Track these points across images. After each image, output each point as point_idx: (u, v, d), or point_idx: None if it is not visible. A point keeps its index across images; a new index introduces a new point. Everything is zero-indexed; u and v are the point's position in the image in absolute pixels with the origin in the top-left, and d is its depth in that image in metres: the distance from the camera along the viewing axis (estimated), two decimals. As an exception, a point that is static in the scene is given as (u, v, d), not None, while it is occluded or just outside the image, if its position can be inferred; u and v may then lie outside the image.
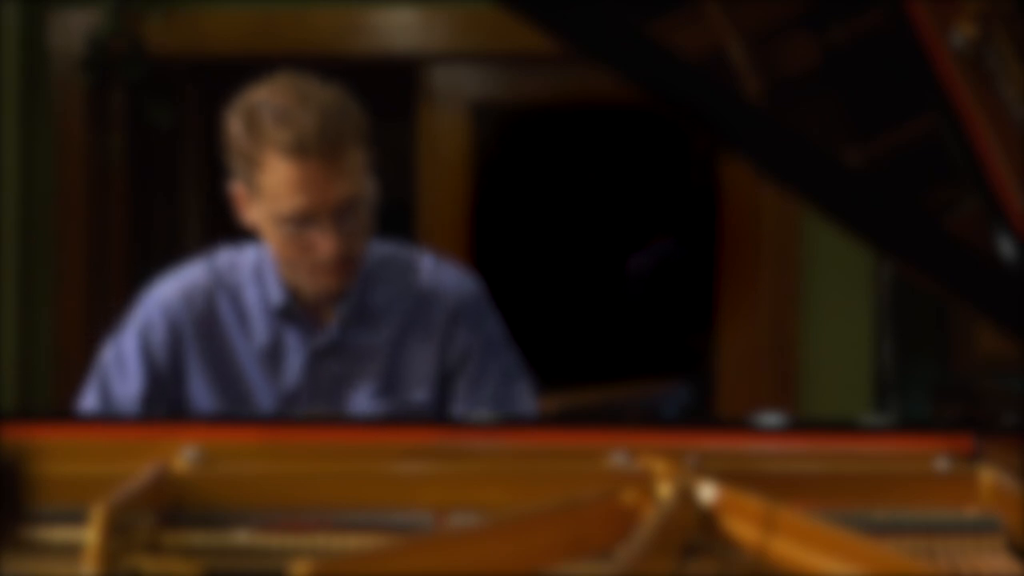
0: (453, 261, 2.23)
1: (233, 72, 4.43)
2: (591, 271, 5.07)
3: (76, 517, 1.42)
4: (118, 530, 1.35)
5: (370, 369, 2.11)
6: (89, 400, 2.12)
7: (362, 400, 2.10)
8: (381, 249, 2.17)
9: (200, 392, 2.10)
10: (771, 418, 1.70)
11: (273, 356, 2.11)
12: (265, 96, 2.04)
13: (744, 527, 1.44)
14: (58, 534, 1.44)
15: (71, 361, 3.88)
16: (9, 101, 3.74)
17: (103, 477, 1.49)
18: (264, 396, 2.11)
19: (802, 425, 1.73)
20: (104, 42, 3.77)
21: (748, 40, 1.68)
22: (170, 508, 1.49)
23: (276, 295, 2.11)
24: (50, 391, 3.84)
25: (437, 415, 2.11)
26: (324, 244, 1.99)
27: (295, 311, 2.11)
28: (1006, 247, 1.63)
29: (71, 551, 1.40)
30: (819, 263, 3.66)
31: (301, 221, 1.99)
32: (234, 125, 2.06)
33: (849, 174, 1.72)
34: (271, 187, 1.99)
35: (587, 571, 1.40)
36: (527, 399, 2.17)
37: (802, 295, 3.68)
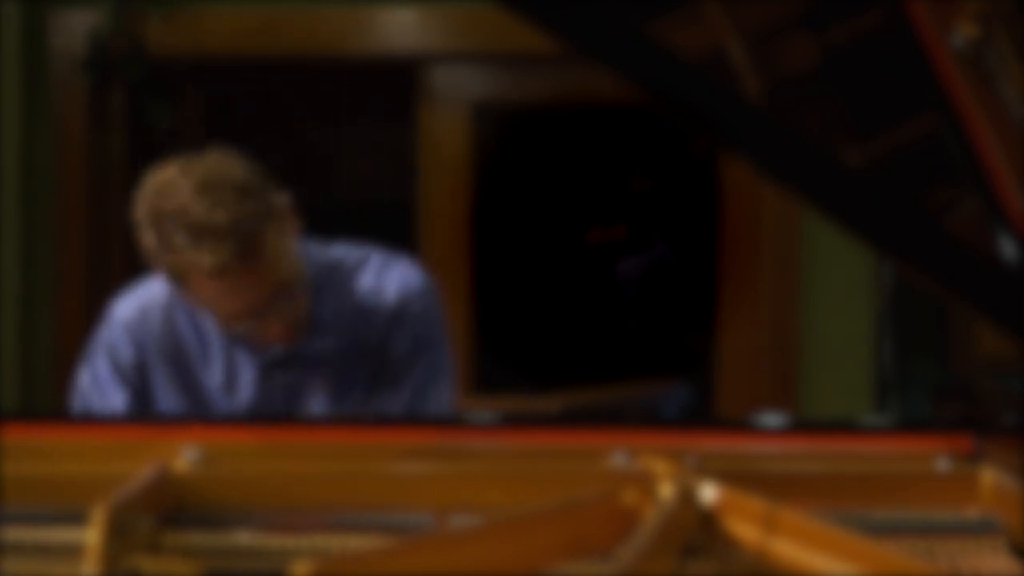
0: (404, 258, 2.23)
1: (234, 72, 4.44)
2: (591, 271, 5.07)
3: (76, 517, 1.42)
4: (118, 530, 1.35)
5: (320, 377, 2.14)
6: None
7: (319, 407, 2.13)
8: (327, 256, 2.18)
9: (168, 405, 2.14)
10: (771, 418, 1.70)
11: (228, 369, 2.15)
12: (171, 204, 1.95)
13: (744, 527, 1.44)
14: (58, 534, 1.44)
15: (71, 361, 3.87)
16: (9, 101, 3.74)
17: (103, 477, 1.49)
18: (223, 409, 2.14)
19: (802, 425, 1.73)
20: (104, 42, 3.77)
21: (748, 40, 1.68)
22: (170, 508, 1.49)
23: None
24: (50, 391, 3.84)
25: (437, 415, 2.11)
26: (273, 332, 2.04)
27: (243, 337, 2.11)
28: (1006, 247, 1.63)
29: (71, 551, 1.40)
30: (819, 263, 3.66)
31: (240, 319, 2.00)
32: (146, 236, 1.99)
33: (849, 174, 1.72)
34: (203, 300, 2.01)
35: (587, 571, 1.40)
36: (441, 400, 2.17)
37: (802, 295, 3.68)
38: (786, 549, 1.41)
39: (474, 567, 1.30)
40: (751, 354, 3.75)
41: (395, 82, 3.95)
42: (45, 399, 3.81)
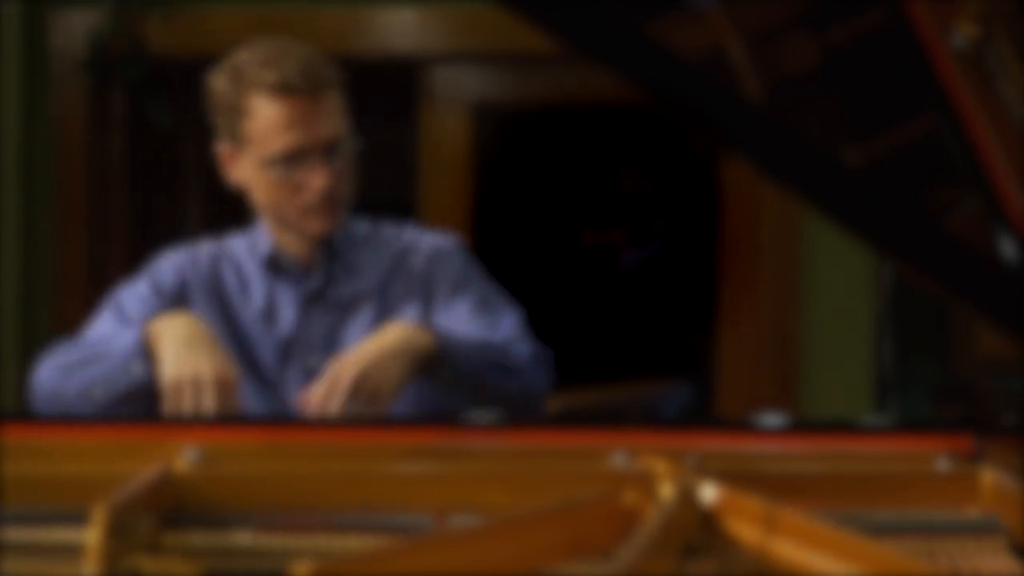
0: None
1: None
2: (591, 271, 5.07)
3: (76, 517, 1.42)
4: (119, 530, 1.35)
5: (360, 316, 2.18)
6: (105, 320, 2.16)
7: (354, 345, 2.14)
8: (367, 224, 2.27)
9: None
10: (771, 418, 1.70)
11: (269, 312, 2.19)
12: (244, 52, 2.10)
13: (744, 527, 1.44)
14: (58, 534, 1.44)
15: (71, 361, 3.88)
16: (9, 101, 3.74)
17: (103, 477, 1.49)
18: (265, 349, 2.18)
19: (802, 425, 1.73)
20: (104, 42, 3.77)
21: (748, 40, 1.68)
22: (171, 508, 1.49)
23: (264, 245, 2.19)
24: (50, 391, 3.84)
25: (436, 415, 2.11)
26: (315, 180, 2.07)
27: (283, 262, 2.19)
28: (1006, 247, 1.63)
29: (71, 551, 1.40)
30: (819, 263, 3.66)
31: (290, 160, 2.06)
32: (217, 82, 2.11)
33: (849, 174, 1.72)
34: (259, 131, 2.06)
35: (587, 571, 1.40)
36: (508, 320, 2.19)
37: (802, 295, 3.68)
38: (786, 549, 1.40)
39: (474, 567, 1.30)
40: (751, 354, 3.75)
41: (395, 82, 3.95)
42: (45, 399, 3.81)
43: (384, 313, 2.18)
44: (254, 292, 2.20)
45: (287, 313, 2.18)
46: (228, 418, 1.98)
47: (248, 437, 1.67)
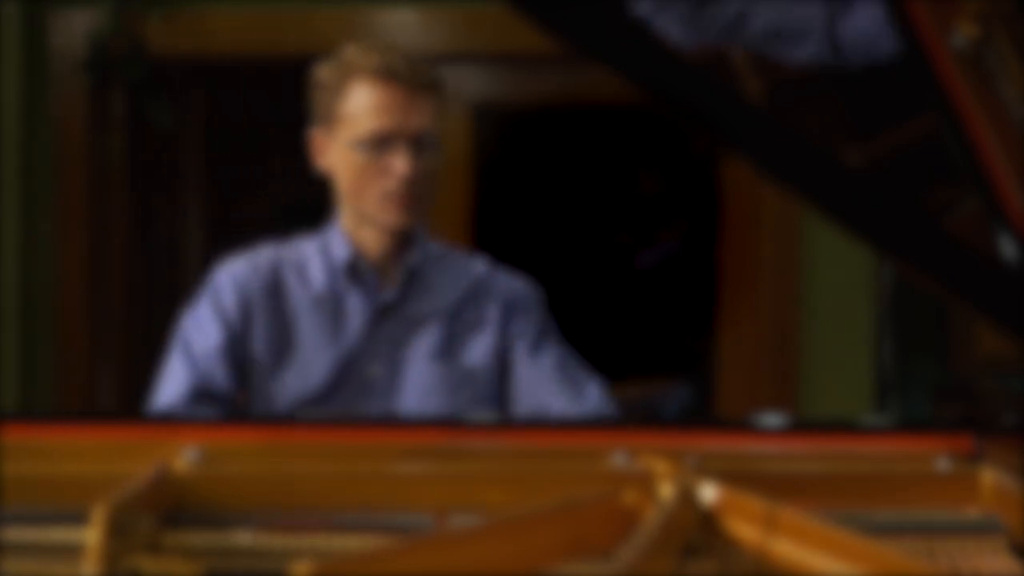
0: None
1: (233, 72, 4.43)
2: (592, 271, 5.07)
3: (76, 517, 1.42)
4: (119, 530, 1.35)
5: (428, 334, 2.17)
6: (174, 363, 2.17)
7: (420, 363, 2.16)
8: (439, 245, 2.27)
9: (260, 353, 2.16)
10: (771, 418, 1.70)
11: (334, 316, 2.17)
12: (352, 45, 2.16)
13: (744, 527, 1.44)
14: (58, 534, 1.44)
15: (71, 361, 3.88)
16: (9, 101, 3.74)
17: (103, 477, 1.49)
18: (320, 357, 2.16)
19: (802, 425, 1.73)
20: (104, 42, 3.77)
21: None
22: (171, 508, 1.49)
23: (341, 252, 2.18)
24: (51, 391, 3.84)
25: (436, 415, 2.11)
26: (399, 165, 2.08)
27: (360, 267, 2.18)
28: (1006, 247, 1.63)
29: (71, 551, 1.40)
30: (819, 263, 3.66)
31: (379, 143, 2.09)
32: (322, 69, 2.16)
33: (849, 174, 1.72)
34: (354, 111, 2.10)
35: (587, 571, 1.40)
36: (593, 390, 2.19)
37: (802, 295, 3.68)
38: (786, 549, 1.41)
39: (474, 567, 1.30)
40: (751, 354, 3.75)
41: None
42: (45, 399, 3.81)
43: (452, 336, 2.18)
44: (320, 297, 2.18)
45: (355, 322, 2.17)
46: (228, 418, 1.98)
47: (248, 437, 1.67)
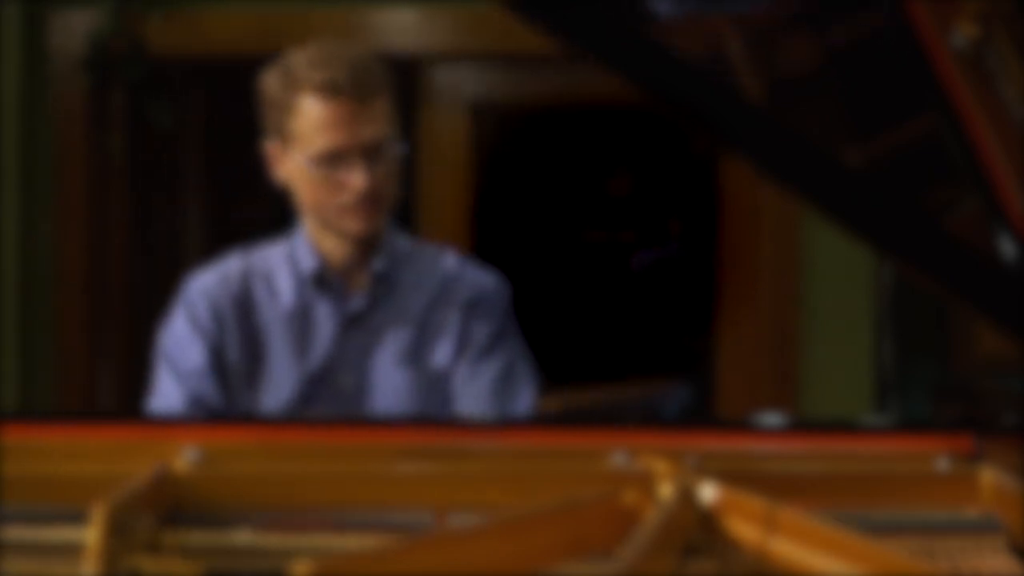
0: (479, 262, 2.29)
1: (233, 72, 4.43)
2: (591, 271, 5.07)
3: (76, 517, 1.42)
4: (118, 530, 1.35)
5: (395, 338, 2.17)
6: (163, 382, 2.17)
7: (386, 367, 2.16)
8: (408, 242, 2.26)
9: (234, 365, 2.16)
10: (771, 418, 1.70)
11: (303, 328, 2.17)
12: (297, 53, 2.13)
13: (744, 527, 1.44)
14: (58, 534, 1.44)
15: (71, 361, 3.88)
16: (9, 101, 3.74)
17: (103, 477, 1.49)
18: (287, 370, 2.16)
19: (802, 425, 1.73)
20: (104, 42, 3.77)
21: (748, 40, 1.68)
22: (170, 508, 1.49)
23: (308, 262, 2.18)
24: (51, 391, 3.84)
25: (436, 415, 2.11)
26: (355, 180, 2.07)
27: (327, 276, 2.17)
28: (1006, 247, 1.63)
29: (71, 551, 1.40)
30: (819, 263, 3.66)
31: (332, 160, 2.07)
32: (268, 80, 2.14)
33: (849, 174, 1.72)
34: (304, 129, 2.08)
35: (587, 571, 1.40)
36: (524, 400, 2.20)
37: (802, 295, 3.68)
38: (786, 549, 1.41)
39: (474, 567, 1.30)
40: (751, 354, 3.75)
41: (395, 82, 3.94)
42: (45, 399, 3.81)
43: (420, 340, 2.17)
44: (285, 306, 2.18)
45: (324, 332, 2.17)
46: (228, 418, 1.98)
47: (248, 437, 1.67)
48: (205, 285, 2.20)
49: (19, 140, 3.77)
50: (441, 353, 2.17)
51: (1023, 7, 1.61)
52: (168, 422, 1.86)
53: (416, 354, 2.17)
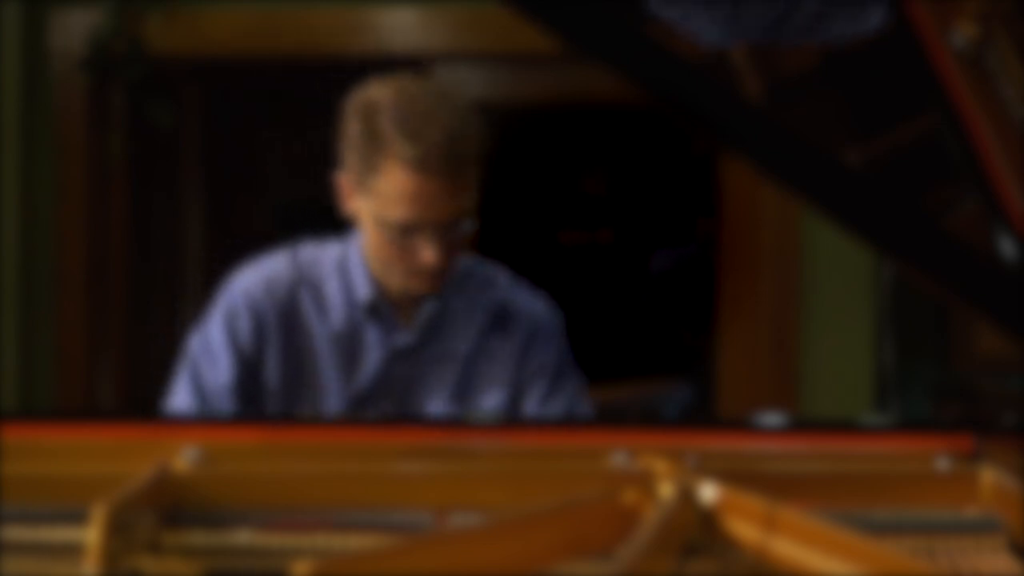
0: (526, 283, 2.24)
1: (233, 72, 4.43)
2: (591, 271, 5.07)
3: (76, 517, 1.42)
4: (119, 530, 1.35)
5: (444, 375, 2.12)
6: (181, 391, 2.10)
7: (434, 405, 2.11)
8: (462, 261, 2.17)
9: (274, 383, 2.09)
10: (771, 418, 1.70)
11: (350, 352, 2.11)
12: (387, 100, 1.98)
13: (744, 527, 1.44)
14: (58, 534, 1.44)
15: (72, 361, 3.88)
16: (9, 101, 3.74)
17: (103, 477, 1.49)
18: (335, 392, 2.10)
19: (802, 425, 1.73)
20: (104, 42, 3.77)
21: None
22: (171, 508, 1.49)
23: (363, 290, 2.10)
24: (51, 391, 3.84)
25: (436, 415, 2.11)
26: (426, 254, 1.98)
27: (380, 308, 2.10)
28: (1006, 247, 1.63)
29: (71, 551, 1.40)
30: (819, 263, 3.66)
31: (407, 230, 1.98)
32: (352, 124, 2.01)
33: (849, 174, 1.72)
34: (385, 192, 1.97)
35: (587, 571, 1.40)
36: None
37: (802, 295, 3.68)
38: (786, 549, 1.41)
39: (474, 567, 1.30)
40: (751, 354, 3.75)
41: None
42: (45, 399, 3.81)
43: (468, 378, 2.13)
44: (335, 326, 2.11)
45: (371, 359, 2.10)
46: (228, 418, 1.98)
47: (248, 437, 1.67)
48: (249, 292, 2.10)
49: (19, 140, 3.77)
50: (492, 396, 2.13)
51: (1023, 7, 1.61)
52: (168, 422, 1.86)
53: (464, 394, 2.12)
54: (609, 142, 5.07)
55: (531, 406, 2.13)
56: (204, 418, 1.98)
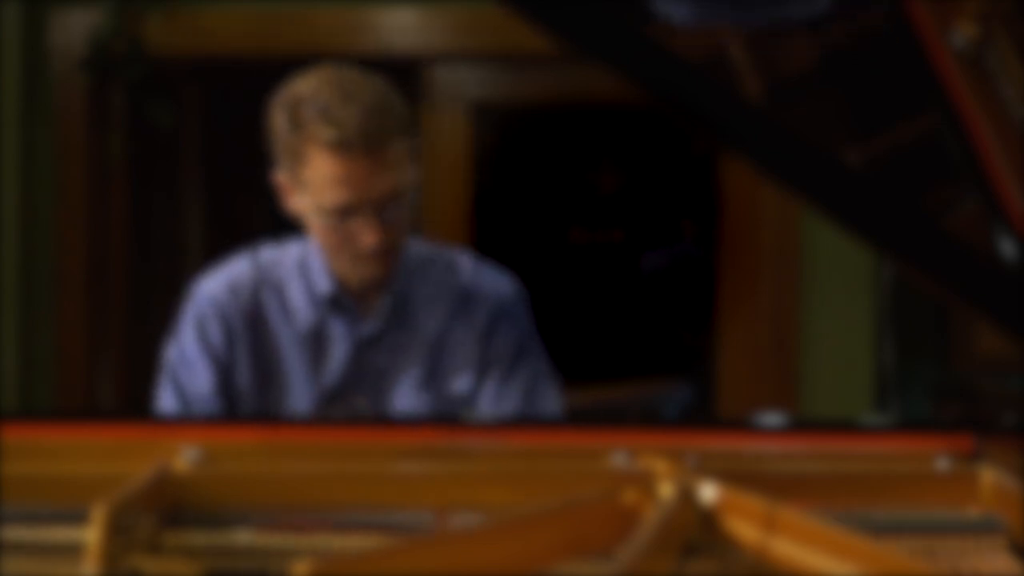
0: (490, 263, 2.25)
1: (233, 72, 4.44)
2: (591, 271, 5.07)
3: (76, 517, 1.42)
4: (119, 530, 1.35)
5: (413, 361, 2.14)
6: (167, 401, 2.14)
7: (405, 392, 2.13)
8: (422, 248, 2.21)
9: (244, 385, 2.13)
10: (771, 418, 1.70)
11: (317, 347, 2.14)
12: (307, 90, 2.03)
13: (744, 527, 1.44)
14: (58, 534, 1.44)
15: (72, 361, 3.88)
16: (9, 101, 3.74)
17: (103, 477, 1.49)
18: (304, 390, 2.13)
19: (802, 425, 1.73)
20: (104, 42, 3.77)
21: (748, 40, 1.68)
22: (171, 508, 1.49)
23: (323, 285, 2.13)
24: (51, 391, 3.85)
25: (436, 415, 2.11)
26: (366, 236, 2.02)
27: (342, 300, 2.13)
28: (1006, 247, 1.63)
29: (71, 551, 1.40)
30: (819, 263, 3.66)
31: (343, 213, 2.01)
32: (277, 119, 2.05)
33: (849, 174, 1.72)
34: (314, 180, 2.01)
35: (587, 571, 1.40)
36: (551, 403, 2.19)
37: (802, 295, 3.68)
38: (786, 549, 1.41)
39: (474, 567, 1.30)
40: (751, 354, 3.75)
41: (395, 82, 3.94)
42: (45, 399, 3.81)
43: (436, 363, 2.14)
44: (301, 324, 2.14)
45: (338, 351, 2.13)
46: (228, 418, 1.98)
47: (248, 437, 1.67)
48: (215, 298, 2.14)
49: (19, 140, 3.77)
50: (461, 380, 2.14)
51: (1023, 7, 1.61)
52: (168, 422, 1.86)
53: (433, 379, 2.14)
54: (609, 142, 5.07)
55: (489, 388, 2.15)
56: (204, 418, 1.98)
